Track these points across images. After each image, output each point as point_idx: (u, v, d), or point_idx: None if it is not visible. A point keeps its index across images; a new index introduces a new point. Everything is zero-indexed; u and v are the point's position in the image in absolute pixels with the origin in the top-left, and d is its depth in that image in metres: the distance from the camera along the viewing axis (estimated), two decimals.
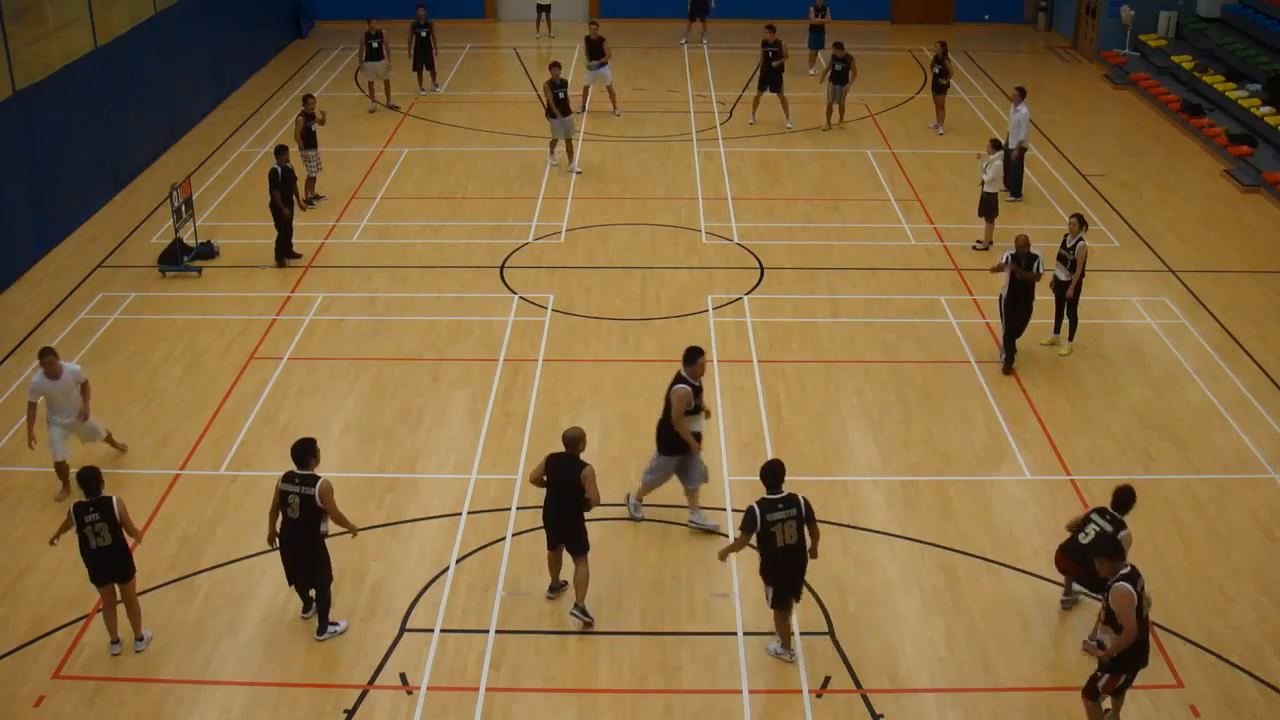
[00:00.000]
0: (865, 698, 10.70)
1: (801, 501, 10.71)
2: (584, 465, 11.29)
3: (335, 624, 11.45)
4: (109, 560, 10.92)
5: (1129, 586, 9.52)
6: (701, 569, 12.26)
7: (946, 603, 11.85)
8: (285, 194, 18.69)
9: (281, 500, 11.04)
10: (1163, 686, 10.83)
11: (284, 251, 19.00)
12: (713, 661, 11.08)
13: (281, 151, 18.77)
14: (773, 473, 10.75)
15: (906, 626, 11.54)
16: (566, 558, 11.68)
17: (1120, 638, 9.54)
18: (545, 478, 11.39)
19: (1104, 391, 15.53)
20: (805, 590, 11.85)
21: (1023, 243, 15.51)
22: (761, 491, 10.79)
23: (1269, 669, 11.06)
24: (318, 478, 10.96)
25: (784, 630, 11.09)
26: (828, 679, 10.88)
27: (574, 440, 11.34)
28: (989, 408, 15.15)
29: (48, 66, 19.93)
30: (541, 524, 11.65)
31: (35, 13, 19.85)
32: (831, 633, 11.39)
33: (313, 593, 11.45)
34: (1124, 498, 11.12)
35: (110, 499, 10.89)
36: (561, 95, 22.11)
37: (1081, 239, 15.96)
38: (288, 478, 11.04)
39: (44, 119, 19.62)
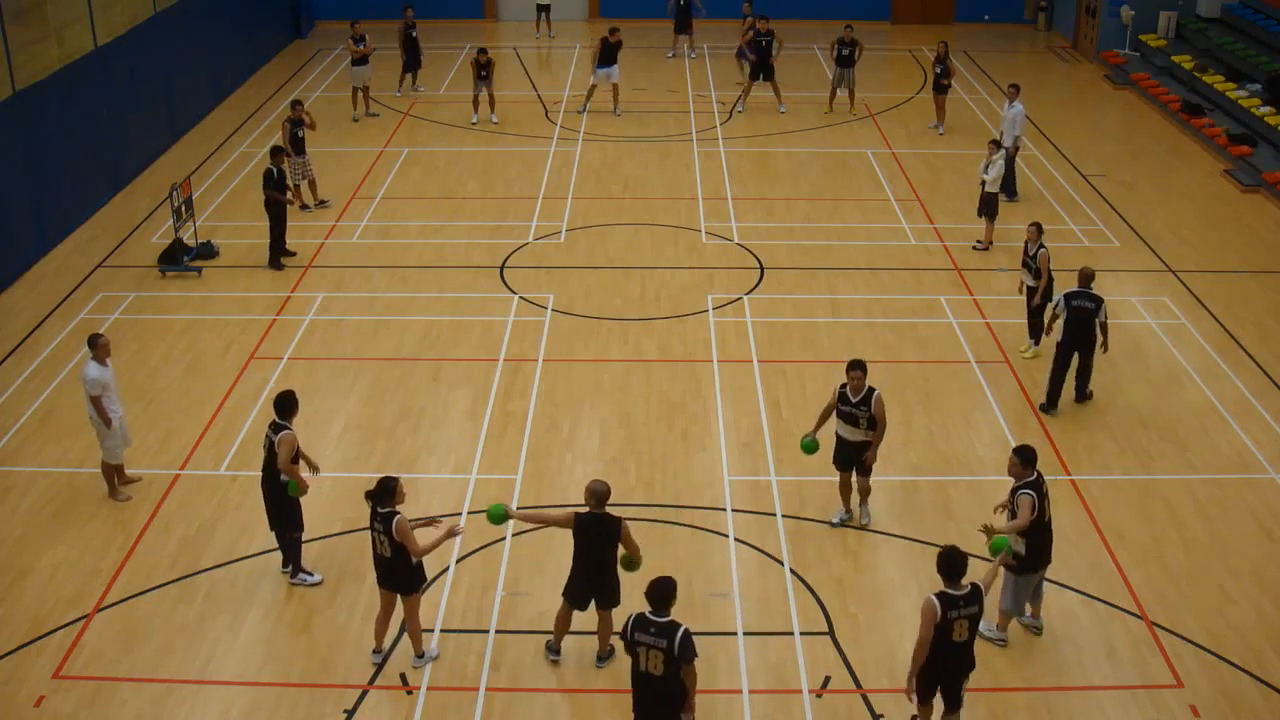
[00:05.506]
0: (865, 698, 10.70)
1: (678, 638, 9.05)
2: (618, 521, 10.49)
3: (309, 573, 11.93)
4: (389, 571, 10.71)
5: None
6: (701, 569, 12.25)
7: None
8: (281, 191, 18.71)
9: (264, 445, 11.80)
10: (1163, 686, 10.83)
11: (278, 252, 18.88)
12: (713, 661, 11.06)
13: (277, 152, 18.82)
14: (657, 593, 9.23)
15: (906, 626, 11.52)
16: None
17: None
18: (574, 536, 10.60)
19: (1104, 391, 15.51)
20: (808, 592, 11.89)
21: (1085, 277, 14.76)
22: None
23: (1269, 669, 11.05)
24: (284, 428, 11.53)
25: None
26: (828, 679, 10.88)
27: (604, 496, 10.49)
28: (989, 408, 15.15)
29: (47, 66, 19.92)
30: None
31: (35, 13, 19.84)
32: (831, 633, 11.39)
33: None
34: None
35: (395, 513, 10.45)
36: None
37: (1042, 245, 15.91)
38: (271, 425, 11.73)
39: (44, 119, 19.61)
